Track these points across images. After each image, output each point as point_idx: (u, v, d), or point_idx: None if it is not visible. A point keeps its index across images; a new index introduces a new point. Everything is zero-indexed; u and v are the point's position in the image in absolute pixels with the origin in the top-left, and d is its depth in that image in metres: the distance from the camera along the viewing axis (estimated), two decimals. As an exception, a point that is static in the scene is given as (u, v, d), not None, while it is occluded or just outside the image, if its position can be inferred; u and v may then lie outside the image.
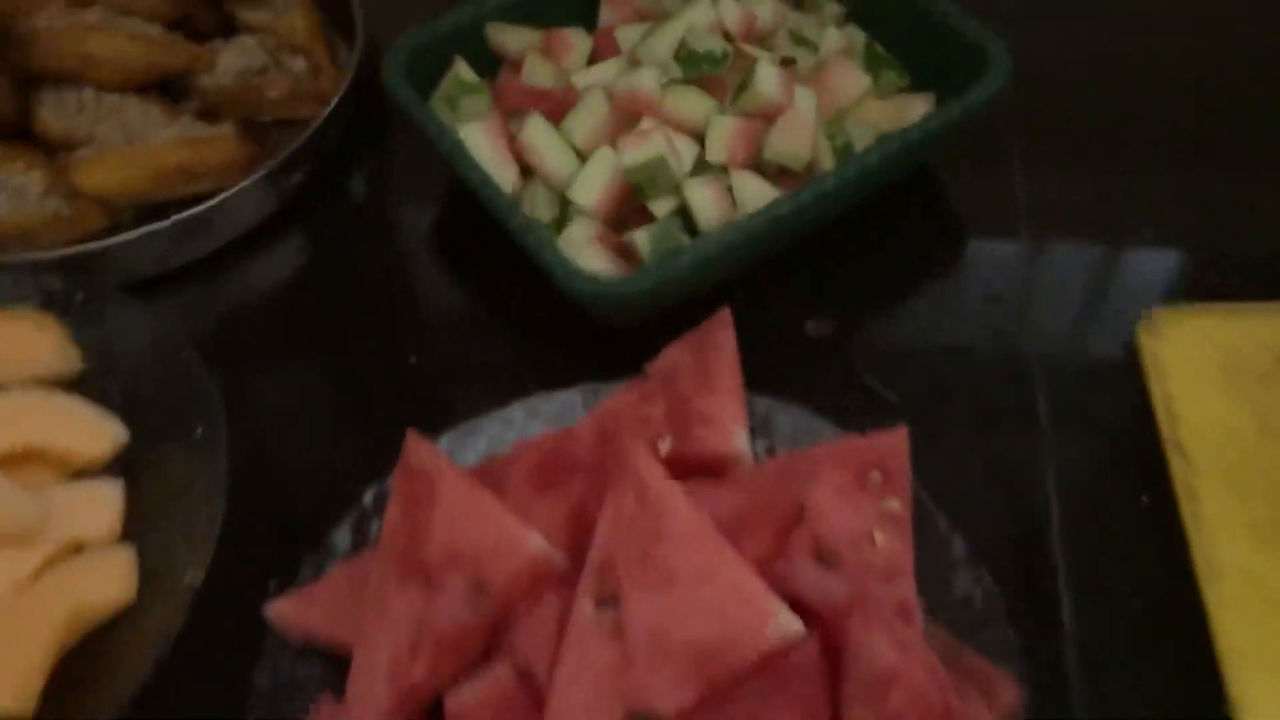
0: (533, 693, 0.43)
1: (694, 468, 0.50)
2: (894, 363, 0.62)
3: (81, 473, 0.54)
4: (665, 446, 0.49)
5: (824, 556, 0.47)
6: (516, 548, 0.44)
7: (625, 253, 0.60)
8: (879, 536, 0.48)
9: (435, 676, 0.43)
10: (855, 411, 0.59)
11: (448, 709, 0.43)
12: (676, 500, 0.43)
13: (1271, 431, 0.56)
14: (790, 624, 0.41)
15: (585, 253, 0.59)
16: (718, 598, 0.41)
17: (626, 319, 0.60)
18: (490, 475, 0.48)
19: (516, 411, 0.54)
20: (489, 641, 0.44)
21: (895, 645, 0.43)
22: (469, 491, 0.45)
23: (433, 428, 0.53)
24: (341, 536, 0.50)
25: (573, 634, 0.42)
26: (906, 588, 0.47)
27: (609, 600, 0.42)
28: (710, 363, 0.53)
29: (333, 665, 0.47)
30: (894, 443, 0.50)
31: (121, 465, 0.55)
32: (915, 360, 0.62)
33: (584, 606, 0.42)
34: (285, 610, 0.47)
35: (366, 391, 0.63)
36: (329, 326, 0.66)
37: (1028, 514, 0.56)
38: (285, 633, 0.47)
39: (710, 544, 0.42)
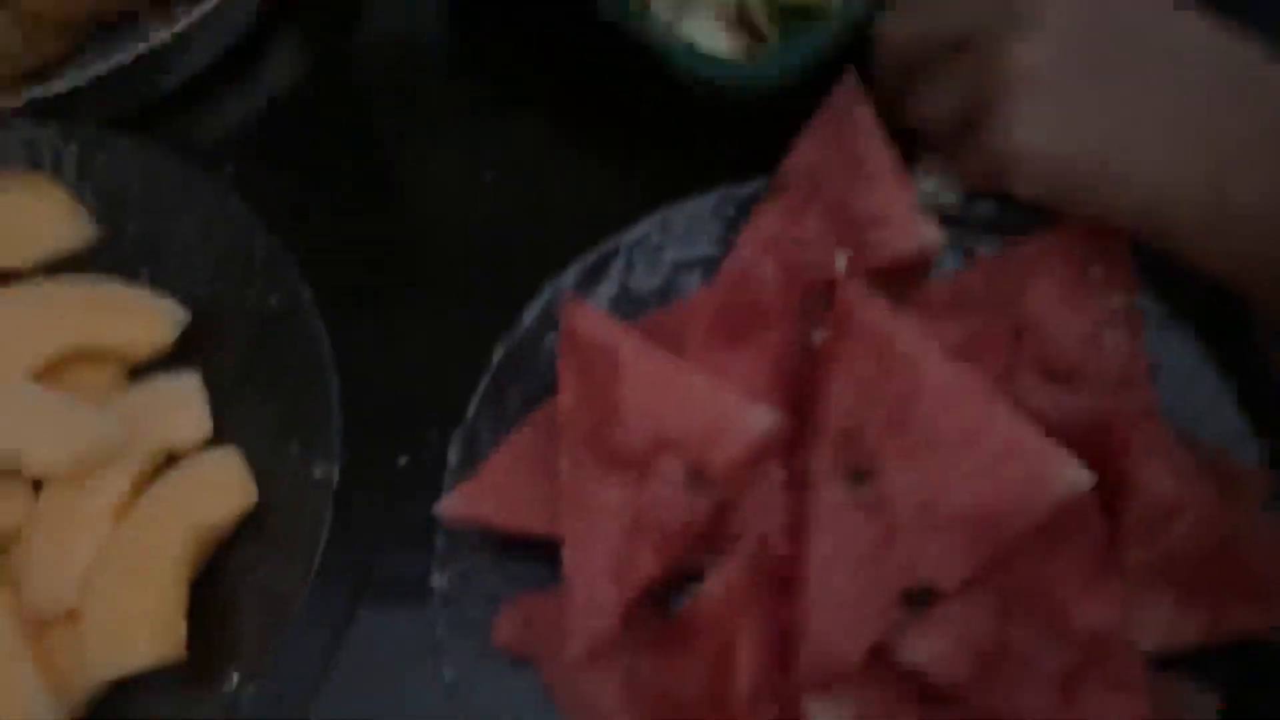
0: (774, 578, 0.40)
1: (876, 279, 0.45)
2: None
3: (138, 370, 0.49)
4: (842, 264, 0.44)
5: (1054, 372, 0.43)
6: (739, 427, 0.39)
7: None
8: (1109, 340, 0.43)
9: (662, 570, 0.40)
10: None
11: (690, 608, 0.39)
12: (929, 353, 0.38)
13: None
14: (1078, 477, 0.36)
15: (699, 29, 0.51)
16: (990, 457, 0.37)
17: (741, 108, 0.52)
18: (660, 332, 0.43)
19: (646, 228, 0.48)
20: (708, 526, 0.40)
21: (1174, 473, 0.39)
22: (661, 365, 0.40)
23: (537, 265, 0.48)
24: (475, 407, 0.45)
25: (823, 515, 0.38)
26: (1146, 395, 0.43)
27: (859, 473, 0.38)
28: (854, 148, 0.46)
29: (504, 551, 0.44)
30: (1110, 226, 0.45)
31: (187, 353, 0.49)
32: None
33: (829, 484, 0.38)
34: (457, 504, 0.43)
35: (439, 221, 0.55)
36: (365, 145, 0.58)
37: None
38: (456, 527, 0.44)
39: (975, 398, 0.37)
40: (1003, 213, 0.48)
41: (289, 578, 0.44)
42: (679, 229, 0.49)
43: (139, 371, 0.49)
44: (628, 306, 0.48)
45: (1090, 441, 0.40)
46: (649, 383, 0.40)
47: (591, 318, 0.42)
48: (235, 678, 0.43)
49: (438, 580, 0.43)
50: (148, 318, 0.48)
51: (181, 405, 0.47)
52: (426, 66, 0.60)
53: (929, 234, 0.44)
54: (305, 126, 0.58)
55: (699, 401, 0.40)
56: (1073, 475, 0.36)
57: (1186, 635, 0.40)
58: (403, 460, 0.49)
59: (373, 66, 0.60)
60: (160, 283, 0.50)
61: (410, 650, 0.46)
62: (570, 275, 0.48)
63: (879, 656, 0.38)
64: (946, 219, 0.47)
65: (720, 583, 0.39)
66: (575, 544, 0.40)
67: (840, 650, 0.37)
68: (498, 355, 0.46)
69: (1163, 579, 0.40)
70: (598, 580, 0.40)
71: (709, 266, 0.48)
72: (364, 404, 0.48)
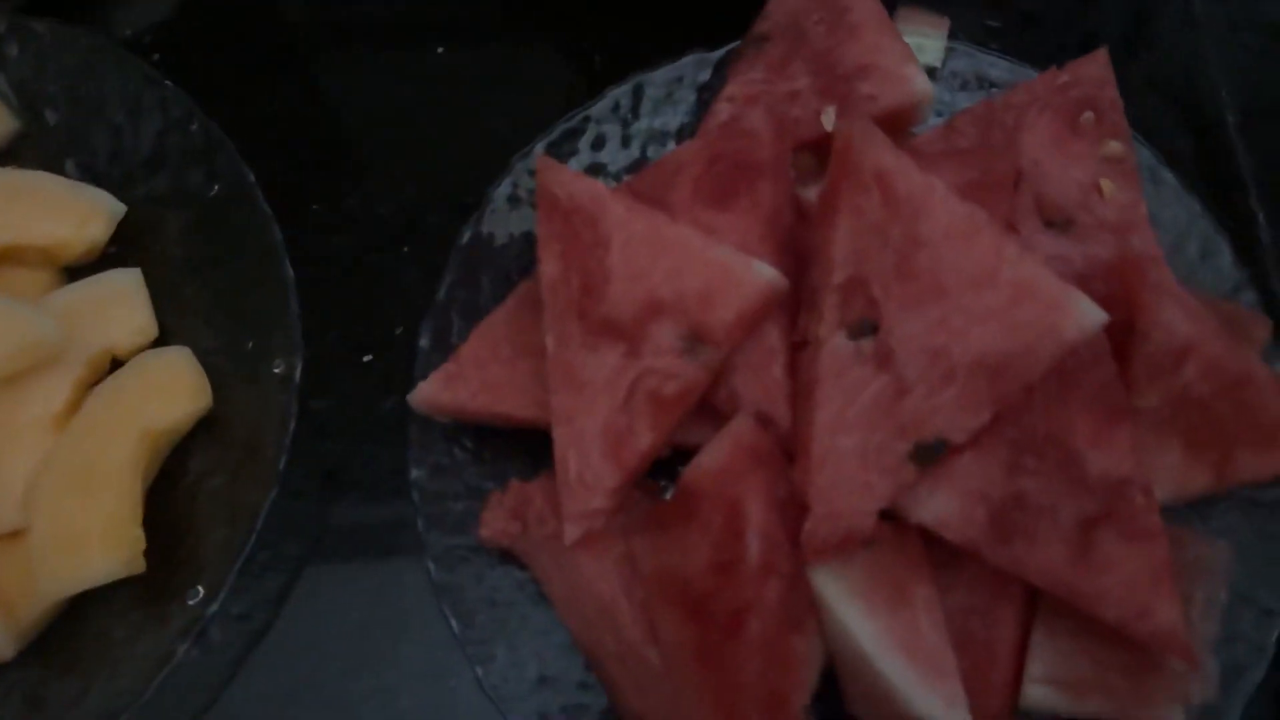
0: (777, 446, 0.37)
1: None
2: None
3: (73, 271, 0.45)
4: (830, 119, 0.42)
5: (1053, 220, 0.41)
6: (740, 283, 0.37)
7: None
8: (1107, 186, 0.42)
9: (659, 442, 0.37)
10: (993, 27, 0.52)
11: (689, 478, 0.37)
12: (935, 193, 0.36)
13: None
14: (1093, 314, 0.35)
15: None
16: (1002, 300, 0.35)
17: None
18: (644, 194, 0.40)
19: (614, 99, 0.45)
20: (706, 394, 0.38)
21: (1184, 316, 0.38)
22: (652, 223, 0.38)
23: (513, 138, 0.45)
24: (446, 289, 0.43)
25: (826, 371, 0.36)
26: (1147, 239, 0.41)
27: (864, 325, 0.36)
28: (837, -1, 0.44)
29: (483, 443, 0.42)
30: (1098, 73, 0.43)
31: (125, 249, 0.45)
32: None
33: (831, 339, 0.36)
34: (431, 391, 0.40)
35: (388, 108, 0.51)
36: (309, 35, 0.54)
37: (1203, 126, 0.50)
38: (431, 416, 0.41)
39: (984, 239, 0.35)
40: (986, 68, 0.46)
41: (253, 483, 0.41)
42: (651, 98, 0.46)
43: (74, 273, 0.45)
44: (602, 180, 0.45)
45: (1097, 288, 0.38)
46: (640, 242, 0.37)
47: (571, 178, 0.39)
48: (199, 592, 0.40)
49: (415, 474, 0.40)
50: (79, 212, 0.44)
51: (122, 304, 0.43)
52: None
53: (920, 83, 0.41)
54: (235, 11, 0.54)
55: (696, 259, 0.37)
56: (1088, 313, 0.35)
57: (1196, 485, 0.39)
58: (368, 358, 0.46)
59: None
60: (90, 175, 0.46)
61: (388, 555, 0.44)
62: (536, 150, 0.45)
63: (890, 519, 0.37)
64: (928, 76, 0.45)
65: (721, 449, 0.37)
66: (566, 420, 0.38)
67: (850, 513, 0.36)
68: (465, 237, 0.43)
69: (1171, 426, 0.39)
70: (592, 457, 0.37)
71: (685, 136, 0.46)
72: (321, 301, 0.45)
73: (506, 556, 0.41)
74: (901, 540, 0.37)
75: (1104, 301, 0.36)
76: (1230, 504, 0.41)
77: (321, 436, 0.45)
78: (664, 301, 0.37)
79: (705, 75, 0.46)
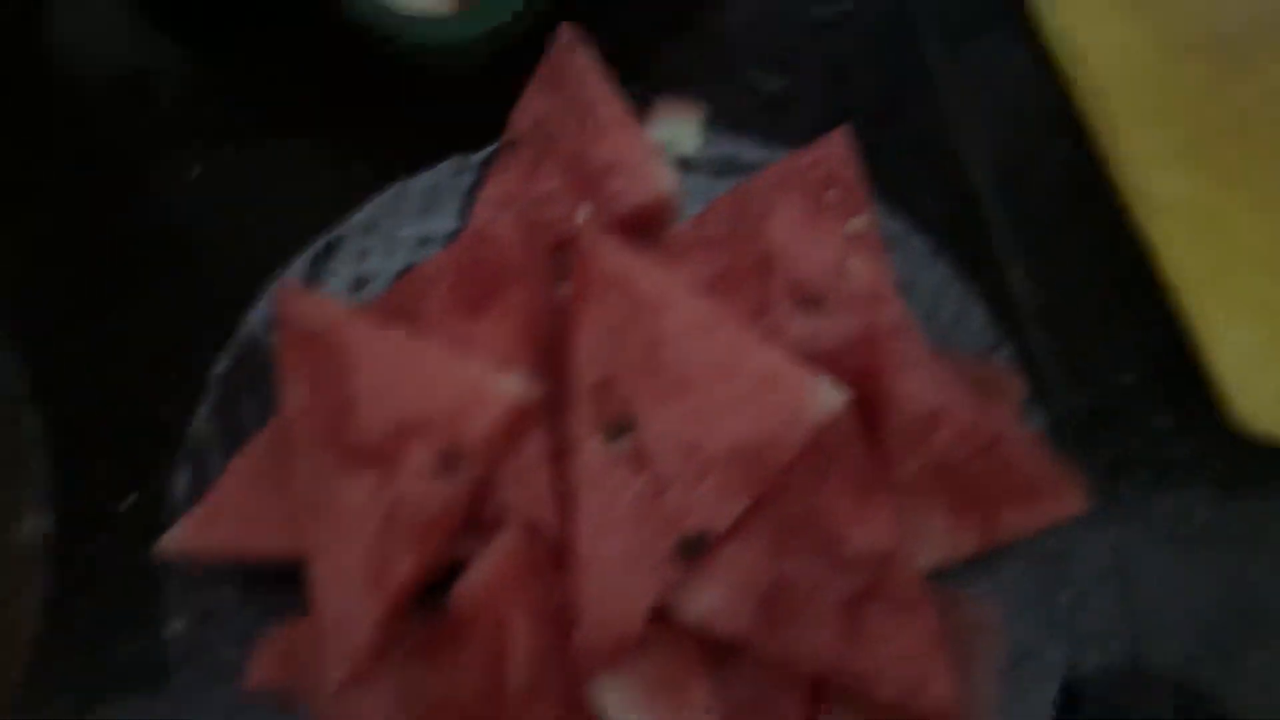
0: (548, 553, 0.37)
1: (621, 232, 0.43)
2: (776, 45, 0.54)
3: None
4: (584, 216, 0.42)
5: (805, 300, 0.42)
6: (489, 398, 0.36)
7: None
8: (853, 263, 0.43)
9: (422, 569, 0.36)
10: (750, 111, 0.53)
11: (456, 599, 0.36)
12: (673, 291, 0.37)
13: (1172, 49, 0.52)
14: (832, 396, 0.36)
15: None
16: (745, 389, 0.36)
17: (464, 73, 0.49)
18: (395, 309, 0.40)
19: (372, 210, 0.45)
20: (468, 511, 0.37)
21: (931, 383, 0.39)
22: (395, 344, 0.37)
23: (275, 253, 0.44)
24: (203, 426, 0.41)
25: (585, 476, 0.36)
26: (896, 310, 0.43)
27: (618, 427, 0.36)
28: (582, 97, 0.45)
29: (254, 584, 0.40)
30: (839, 152, 0.45)
31: None
32: (797, 36, 0.55)
33: (588, 443, 0.36)
34: (184, 536, 0.38)
35: (145, 230, 0.50)
36: (60, 155, 0.52)
37: (957, 190, 0.52)
38: (186, 562, 0.39)
39: (723, 332, 0.36)
40: (742, 152, 0.47)
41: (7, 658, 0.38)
42: (414, 204, 0.45)
43: None
44: (369, 293, 0.45)
45: (849, 364, 0.39)
46: (384, 365, 0.37)
47: (311, 304, 0.38)
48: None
49: (175, 627, 0.38)
50: None
51: None
52: (115, 57, 0.54)
53: (663, 179, 0.42)
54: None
55: (442, 377, 0.37)
56: (828, 396, 0.35)
57: (965, 546, 0.40)
58: (130, 499, 0.44)
59: (53, 69, 0.54)
60: None
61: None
62: (296, 269, 0.44)
63: (660, 620, 0.36)
64: (686, 164, 0.46)
65: (487, 566, 0.36)
66: (321, 555, 0.36)
67: (619, 618, 0.35)
68: (222, 366, 0.42)
69: (933, 491, 0.40)
70: (351, 592, 0.36)
71: (453, 239, 0.46)
72: (76, 442, 0.43)
73: (287, 703, 0.39)
74: (676, 640, 0.36)
75: (855, 376, 0.37)
76: (1012, 558, 0.42)
77: (80, 595, 0.42)
78: (414, 423, 0.36)
79: (469, 177, 0.46)
